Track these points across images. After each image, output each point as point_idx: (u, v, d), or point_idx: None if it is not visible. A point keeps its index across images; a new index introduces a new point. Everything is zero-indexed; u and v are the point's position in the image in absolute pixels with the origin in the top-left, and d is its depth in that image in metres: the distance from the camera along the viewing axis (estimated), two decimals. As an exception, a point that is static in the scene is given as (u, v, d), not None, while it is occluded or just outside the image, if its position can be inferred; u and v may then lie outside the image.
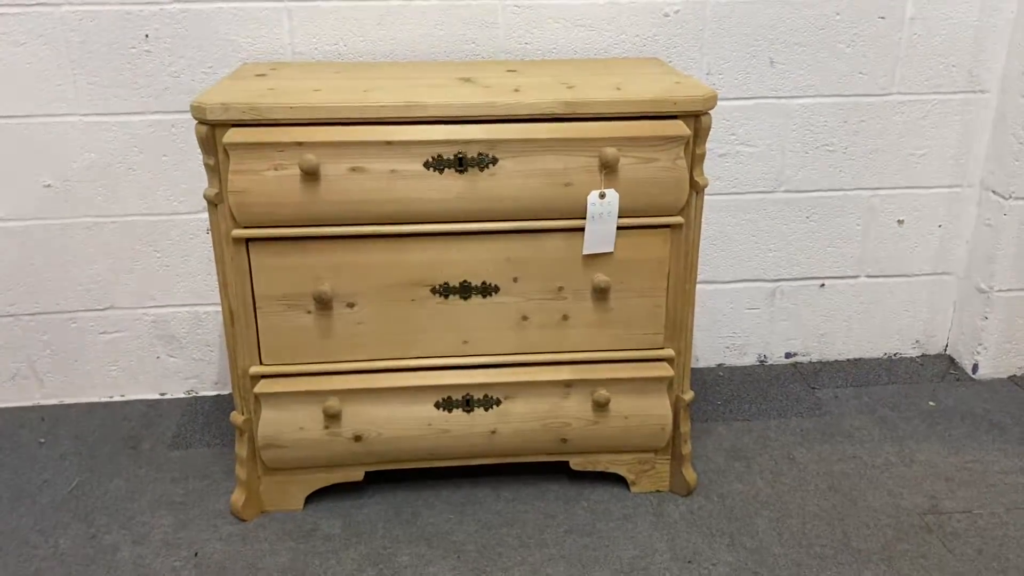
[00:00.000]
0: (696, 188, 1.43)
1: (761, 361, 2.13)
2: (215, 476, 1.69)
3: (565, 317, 1.50)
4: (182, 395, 2.01)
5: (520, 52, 1.79)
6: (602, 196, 1.40)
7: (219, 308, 1.93)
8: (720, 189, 1.94)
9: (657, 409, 1.55)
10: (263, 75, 1.56)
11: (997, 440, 1.79)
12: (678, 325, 1.52)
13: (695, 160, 1.42)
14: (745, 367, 2.12)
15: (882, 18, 1.83)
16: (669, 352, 1.53)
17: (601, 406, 1.53)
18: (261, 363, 1.48)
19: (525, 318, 1.49)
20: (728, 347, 2.11)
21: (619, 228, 1.44)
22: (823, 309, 2.09)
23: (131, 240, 1.86)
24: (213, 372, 2.00)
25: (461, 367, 1.51)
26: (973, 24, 1.85)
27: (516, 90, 1.41)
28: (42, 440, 1.83)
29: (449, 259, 1.44)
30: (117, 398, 2.00)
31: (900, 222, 2.02)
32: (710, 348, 2.11)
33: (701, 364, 2.12)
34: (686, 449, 1.60)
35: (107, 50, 1.71)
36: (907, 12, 1.83)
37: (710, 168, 1.90)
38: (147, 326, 1.94)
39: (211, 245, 1.85)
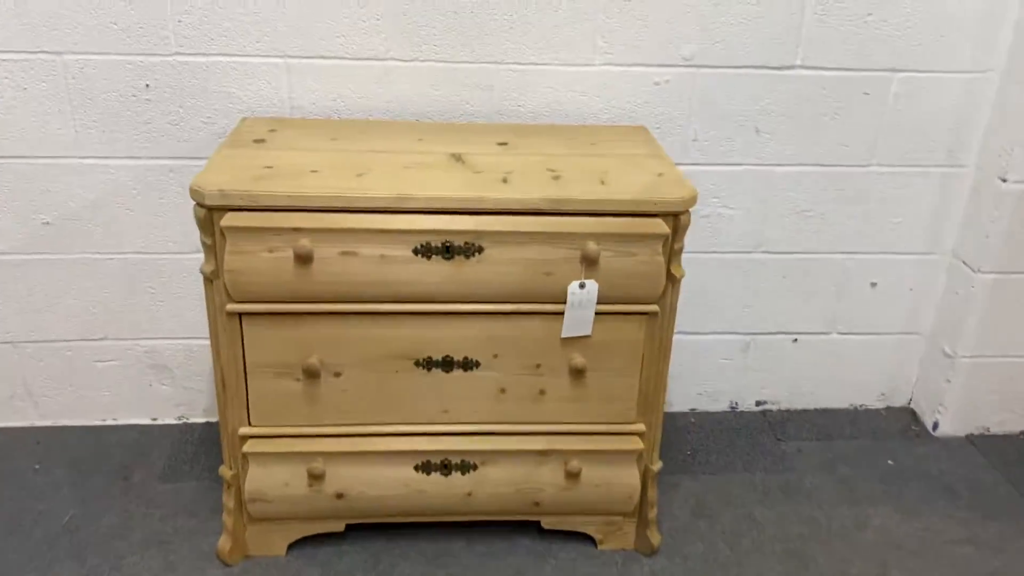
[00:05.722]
0: (672, 280, 1.50)
1: (732, 408, 2.21)
2: (202, 514, 1.77)
3: (542, 391, 1.57)
4: (173, 421, 2.08)
5: (513, 113, 1.83)
6: (582, 286, 1.46)
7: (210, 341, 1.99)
8: (700, 247, 2.00)
9: (627, 479, 1.63)
10: (261, 140, 1.61)
11: (948, 506, 1.89)
12: (650, 402, 1.60)
13: (672, 254, 1.48)
14: (716, 413, 2.20)
15: (867, 94, 1.88)
16: (640, 427, 1.61)
17: (573, 475, 1.61)
18: (250, 424, 1.56)
19: (503, 391, 1.56)
20: (701, 393, 2.19)
21: (597, 314, 1.50)
22: (794, 361, 2.17)
23: (127, 276, 1.92)
24: (203, 400, 2.07)
25: (440, 434, 1.59)
26: (955, 104, 1.90)
27: (504, 180, 1.47)
28: (37, 466, 1.90)
29: (433, 336, 1.51)
30: (110, 422, 2.07)
31: (873, 285, 2.09)
32: (683, 394, 2.19)
33: (674, 409, 2.20)
34: (652, 514, 1.69)
35: (107, 97, 1.75)
36: (892, 89, 1.88)
37: (692, 226, 1.95)
38: (140, 356, 2.01)
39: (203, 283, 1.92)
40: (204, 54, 1.73)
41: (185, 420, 2.09)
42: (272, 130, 1.67)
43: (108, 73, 1.73)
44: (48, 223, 1.85)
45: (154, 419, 2.08)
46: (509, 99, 1.82)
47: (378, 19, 1.73)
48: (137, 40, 1.71)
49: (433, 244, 1.42)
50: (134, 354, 2.01)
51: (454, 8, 1.74)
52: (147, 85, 1.75)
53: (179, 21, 1.70)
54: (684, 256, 1.95)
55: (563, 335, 1.52)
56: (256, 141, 1.60)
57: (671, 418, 2.16)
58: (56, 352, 1.98)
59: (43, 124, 1.76)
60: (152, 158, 1.81)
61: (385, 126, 1.74)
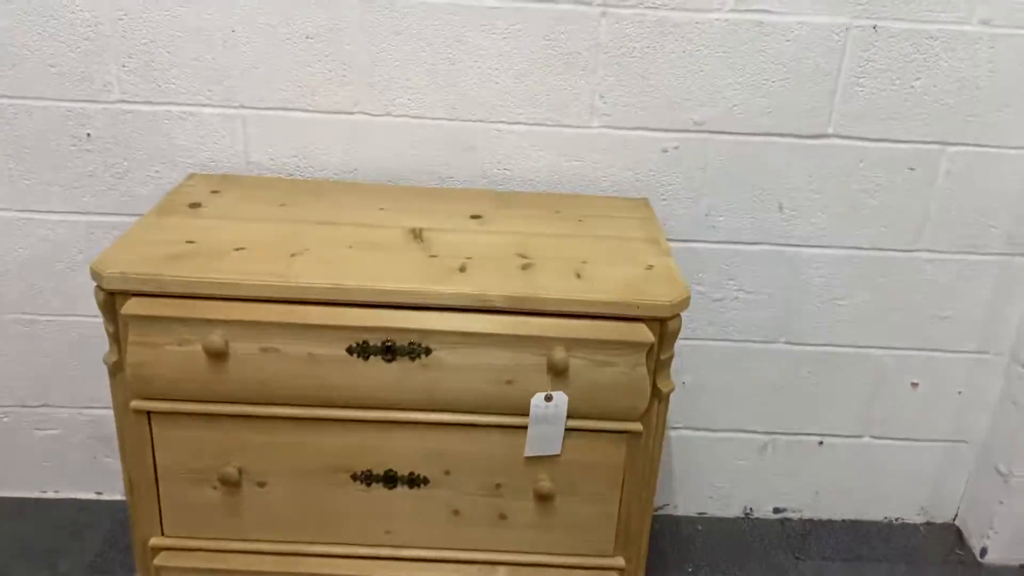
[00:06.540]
0: (659, 396, 1.25)
1: (747, 514, 1.94)
2: (125, 619, 1.57)
3: (503, 516, 1.33)
4: (119, 496, 1.89)
5: (499, 178, 1.61)
6: (548, 399, 1.22)
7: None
8: (711, 335, 1.75)
9: (601, 620, 1.38)
10: (197, 205, 1.41)
11: (995, 661, 1.59)
12: (631, 534, 1.34)
13: (659, 366, 1.23)
14: (728, 519, 1.93)
15: (912, 169, 1.61)
16: (619, 561, 1.36)
17: (537, 614, 1.36)
18: (163, 534, 1.34)
19: (457, 513, 1.33)
20: (711, 496, 1.92)
21: (568, 430, 1.26)
22: (819, 466, 1.89)
23: (70, 340, 1.73)
24: (152, 476, 1.87)
25: (383, 558, 1.35)
26: (1018, 184, 1.62)
27: (462, 269, 1.24)
28: (-43, 548, 1.72)
29: (373, 447, 1.28)
30: (51, 494, 1.88)
31: (914, 385, 1.80)
32: (692, 496, 1.92)
33: (680, 512, 1.93)
34: (632, 660, 1.43)
35: (45, 146, 1.57)
36: (942, 165, 1.61)
37: (702, 311, 1.71)
38: (84, 426, 1.82)
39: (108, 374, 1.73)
40: (150, 102, 1.54)
41: (132, 497, 1.89)
42: (215, 191, 1.47)
43: (46, 120, 1.55)
44: (-18, 280, 1.68)
45: (99, 493, 1.89)
46: (494, 162, 1.60)
47: (345, 68, 1.53)
48: (76, 85, 1.53)
49: (371, 343, 1.20)
50: (77, 423, 1.82)
51: (432, 59, 1.52)
52: (88, 134, 1.56)
53: (123, 66, 1.52)
54: (695, 343, 1.74)
55: (527, 454, 1.27)
56: (191, 206, 1.41)
57: (675, 523, 1.90)
58: (-8, 418, 1.81)
59: (-24, 173, 1.60)
60: (95, 213, 1.63)
61: (347, 190, 1.53)
